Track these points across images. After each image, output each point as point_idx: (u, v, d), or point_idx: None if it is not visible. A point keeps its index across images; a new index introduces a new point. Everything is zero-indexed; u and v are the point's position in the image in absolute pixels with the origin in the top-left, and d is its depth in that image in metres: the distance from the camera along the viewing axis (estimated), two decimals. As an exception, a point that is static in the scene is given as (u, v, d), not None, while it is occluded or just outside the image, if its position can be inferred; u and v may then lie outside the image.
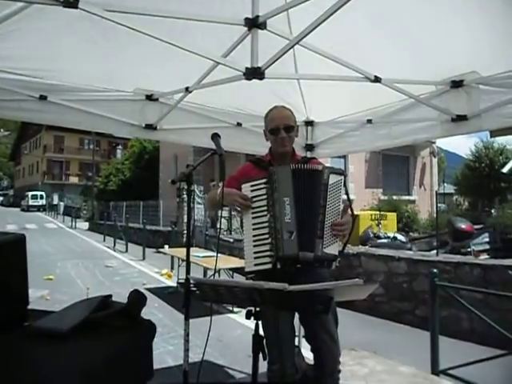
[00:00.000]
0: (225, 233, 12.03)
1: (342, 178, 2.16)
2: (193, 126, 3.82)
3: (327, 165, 2.24)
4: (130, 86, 3.45)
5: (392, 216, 11.85)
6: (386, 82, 2.82)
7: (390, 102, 3.54)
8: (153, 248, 13.78)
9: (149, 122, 3.63)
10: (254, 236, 2.15)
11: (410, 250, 8.92)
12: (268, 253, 2.10)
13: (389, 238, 9.81)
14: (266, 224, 2.13)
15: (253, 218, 2.16)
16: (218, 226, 11.87)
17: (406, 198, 16.34)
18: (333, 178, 2.14)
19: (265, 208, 2.14)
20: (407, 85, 2.98)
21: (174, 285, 8.05)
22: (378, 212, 11.64)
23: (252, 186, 2.21)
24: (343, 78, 2.75)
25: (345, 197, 2.19)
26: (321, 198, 2.11)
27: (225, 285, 1.70)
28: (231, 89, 3.04)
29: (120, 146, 38.36)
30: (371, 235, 9.91)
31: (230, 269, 6.87)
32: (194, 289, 1.81)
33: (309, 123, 4.29)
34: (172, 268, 9.69)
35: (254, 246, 2.14)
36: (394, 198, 14.93)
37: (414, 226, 13.84)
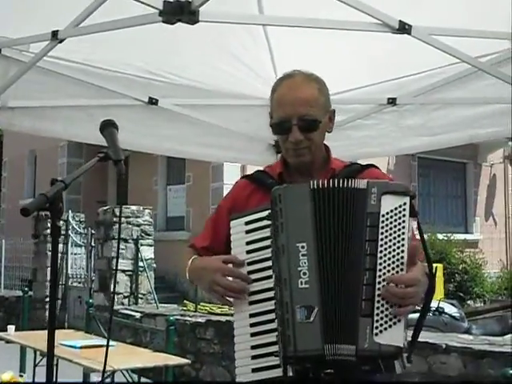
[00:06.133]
0: (125, 301, 11.86)
1: (407, 200, 2.15)
2: (67, 102, 3.83)
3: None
4: None
5: (436, 270, 12.05)
6: (420, 34, 2.89)
7: (429, 69, 3.65)
8: (-15, 331, 13.45)
9: (-20, 95, 3.62)
10: (252, 316, 2.19)
11: (469, 332, 9.11)
12: (276, 347, 2.13)
13: (430, 310, 10.00)
14: (272, 293, 2.16)
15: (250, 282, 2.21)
16: (112, 290, 11.73)
17: (462, 237, 16.72)
18: (388, 203, 2.14)
19: (269, 263, 2.19)
20: (459, 39, 3.06)
21: (26, 402, 7.86)
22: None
23: (248, 222, 2.25)
24: (344, 24, 2.83)
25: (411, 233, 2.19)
26: (364, 241, 2.11)
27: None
28: (139, 35, 3.07)
29: None
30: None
31: (134, 370, 6.78)
32: None
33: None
34: (22, 369, 9.46)
35: (252, 335, 2.18)
36: (440, 237, 15.25)
37: (475, 287, 14.14)
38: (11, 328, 11.02)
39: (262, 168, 2.58)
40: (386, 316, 2.04)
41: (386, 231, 2.09)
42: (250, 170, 3.07)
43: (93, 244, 13.18)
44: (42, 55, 3.41)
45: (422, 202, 17.47)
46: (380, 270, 2.07)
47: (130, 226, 12.01)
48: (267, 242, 2.18)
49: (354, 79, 3.98)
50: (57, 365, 7.37)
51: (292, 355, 2.04)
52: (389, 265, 2.07)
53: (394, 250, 2.09)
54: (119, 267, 11.92)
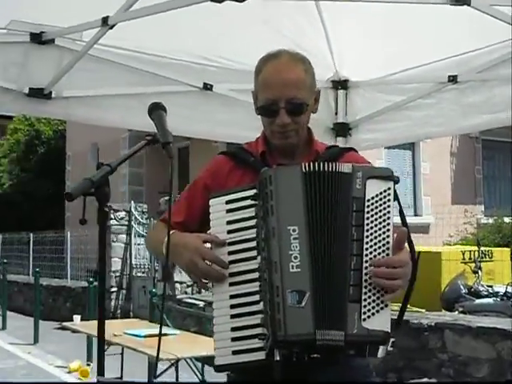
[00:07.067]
0: (188, 290, 11.98)
1: (391, 185, 2.16)
2: (121, 90, 3.84)
3: (378, 163, 2.23)
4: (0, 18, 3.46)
5: (504, 254, 11.80)
6: (480, 5, 2.83)
7: (490, 44, 3.58)
8: (54, 321, 13.70)
9: (36, 85, 3.64)
10: (232, 297, 2.18)
11: (540, 318, 8.90)
12: (259, 330, 2.12)
13: (497, 295, 9.79)
14: (256, 275, 2.15)
15: (230, 262, 2.19)
16: (175, 279, 11.84)
17: (530, 221, 16.38)
18: (373, 187, 2.14)
19: (253, 244, 2.17)
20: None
21: (94, 391, 7.99)
22: (475, 248, 11.64)
23: (229, 201, 2.23)
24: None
25: (397, 219, 2.18)
26: (350, 226, 2.12)
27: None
28: (192, 20, 3.12)
29: (-7, 130, 38.41)
30: (464, 290, 9.90)
31: (198, 358, 6.83)
32: None
33: (340, 84, 4.30)
34: (89, 358, 9.62)
35: (233, 316, 2.16)
36: (507, 221, 14.95)
37: (546, 272, 13.86)
38: (77, 318, 11.34)
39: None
40: (374, 301, 2.07)
41: (372, 216, 2.11)
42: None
43: (155, 234, 13.34)
44: (93, 42, 3.44)
45: (487, 185, 17.15)
46: (366, 256, 2.09)
47: (193, 216, 12.08)
48: (250, 223, 2.17)
49: (413, 58, 3.92)
50: (122, 354, 7.53)
51: (282, 339, 2.03)
52: (375, 250, 2.10)
53: (379, 235, 2.11)
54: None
